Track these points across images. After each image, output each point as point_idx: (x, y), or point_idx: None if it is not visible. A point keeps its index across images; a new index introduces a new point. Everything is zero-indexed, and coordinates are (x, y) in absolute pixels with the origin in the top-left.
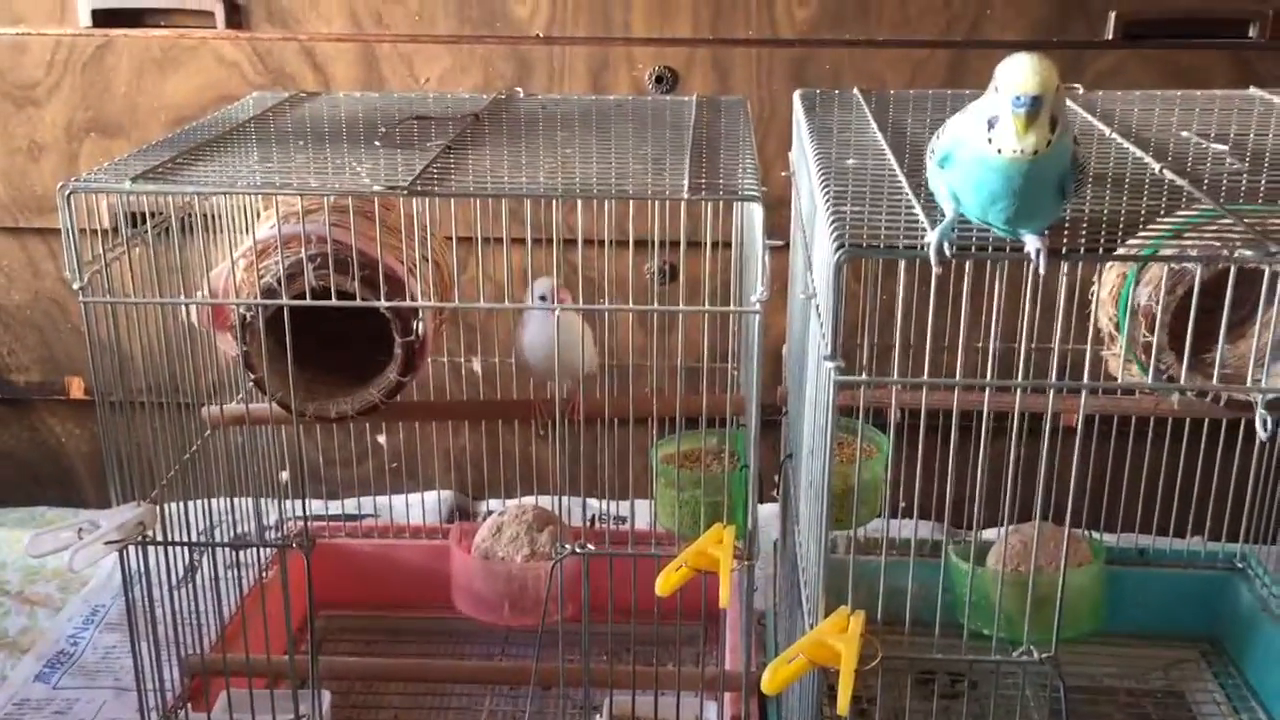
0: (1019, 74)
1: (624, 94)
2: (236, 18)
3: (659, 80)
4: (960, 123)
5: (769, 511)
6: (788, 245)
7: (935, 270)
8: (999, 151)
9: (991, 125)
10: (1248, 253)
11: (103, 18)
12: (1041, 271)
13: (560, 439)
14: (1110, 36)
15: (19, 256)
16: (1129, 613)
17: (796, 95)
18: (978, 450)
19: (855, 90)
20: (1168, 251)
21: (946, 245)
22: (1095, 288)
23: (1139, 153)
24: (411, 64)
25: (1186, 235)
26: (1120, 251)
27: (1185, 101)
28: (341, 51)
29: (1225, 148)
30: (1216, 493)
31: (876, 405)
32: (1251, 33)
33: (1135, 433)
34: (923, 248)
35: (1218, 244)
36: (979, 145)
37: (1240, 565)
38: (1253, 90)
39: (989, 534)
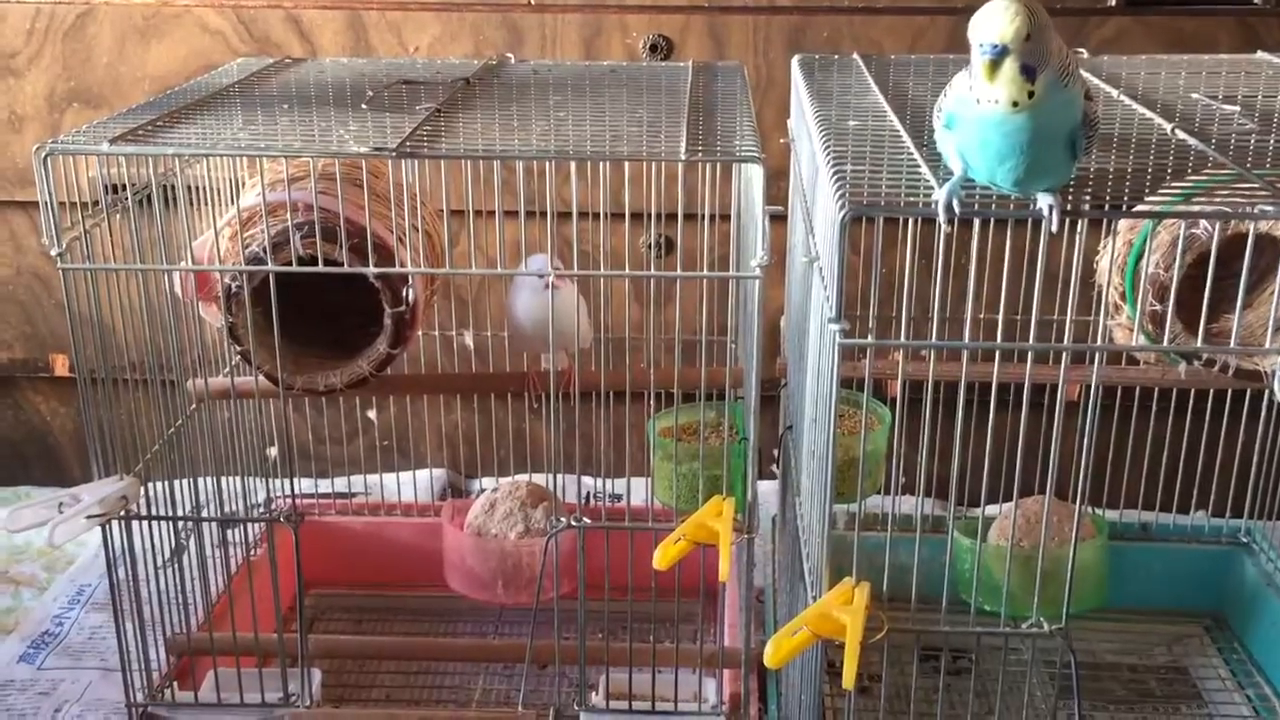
0: (983, 21)
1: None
2: None
3: (653, 49)
4: (963, 82)
5: (767, 488)
6: (784, 218)
7: (944, 228)
8: (978, 101)
9: (971, 75)
10: (1269, 208)
11: None
12: (1054, 229)
13: (555, 414)
14: (1113, 3)
15: (0, 231)
16: (1132, 588)
17: (795, 60)
18: (984, 423)
19: (855, 55)
20: (1186, 209)
21: (955, 202)
22: (1099, 257)
23: (1148, 114)
24: (400, 32)
25: (1197, 199)
26: (1137, 210)
27: (1192, 65)
28: (328, 19)
29: (1235, 108)
30: (1221, 467)
31: (878, 377)
32: None
33: (1139, 406)
34: (930, 205)
35: (1236, 204)
36: (984, 99)
37: (1245, 540)
38: (1260, 54)
39: (990, 510)
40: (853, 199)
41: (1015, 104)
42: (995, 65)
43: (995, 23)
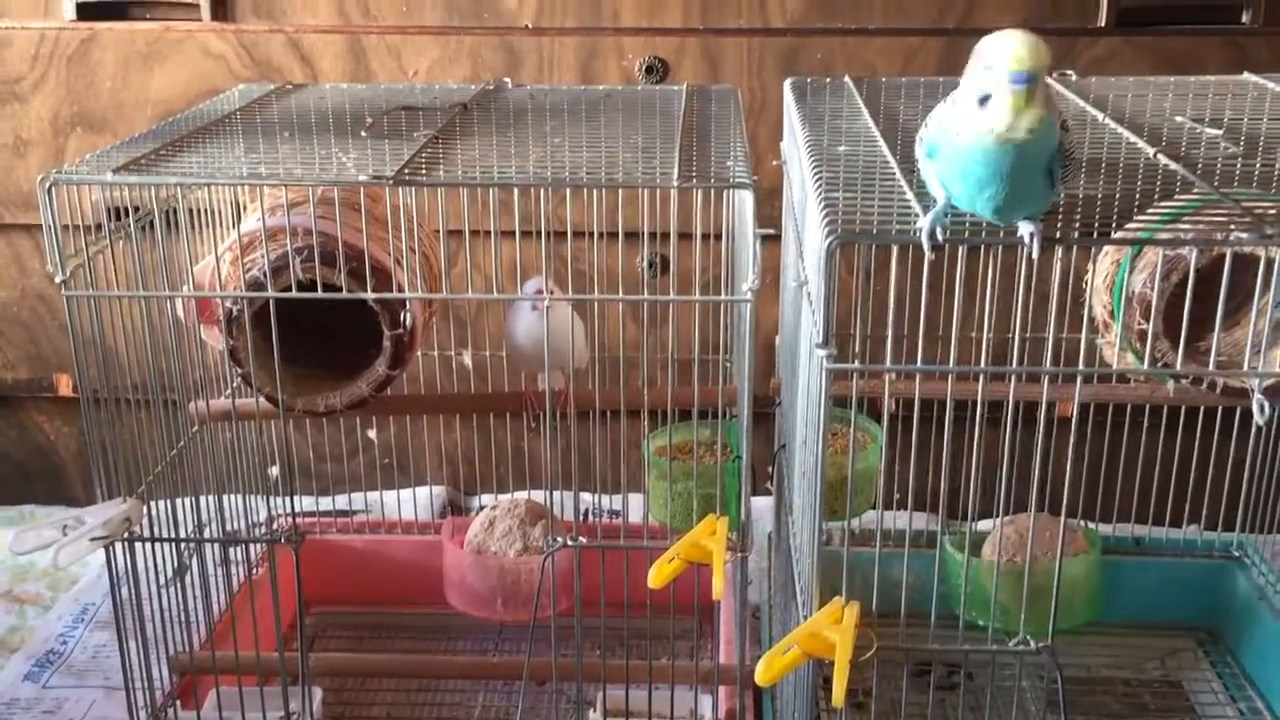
0: (1015, 50)
1: (614, 84)
2: (222, 10)
3: (649, 71)
4: (945, 112)
5: (763, 504)
6: (779, 236)
7: (928, 256)
8: (992, 131)
9: (984, 104)
10: (1244, 235)
11: (87, 11)
12: (1035, 256)
13: (552, 432)
14: (1103, 23)
15: (5, 253)
16: (1126, 603)
17: (787, 83)
18: (972, 440)
19: (847, 78)
20: (1164, 237)
21: (939, 230)
22: (1089, 275)
23: (1133, 138)
24: (399, 56)
25: (1181, 221)
26: (1115, 238)
27: (1179, 87)
28: (329, 43)
29: (1219, 132)
30: (1213, 481)
31: (870, 395)
32: (1244, 18)
33: (1130, 422)
34: (915, 233)
35: (1213, 230)
36: (966, 130)
37: (1237, 554)
38: (1246, 75)
39: (984, 525)
40: (844, 226)
41: (1031, 131)
42: (1031, 93)
43: (1023, 51)
